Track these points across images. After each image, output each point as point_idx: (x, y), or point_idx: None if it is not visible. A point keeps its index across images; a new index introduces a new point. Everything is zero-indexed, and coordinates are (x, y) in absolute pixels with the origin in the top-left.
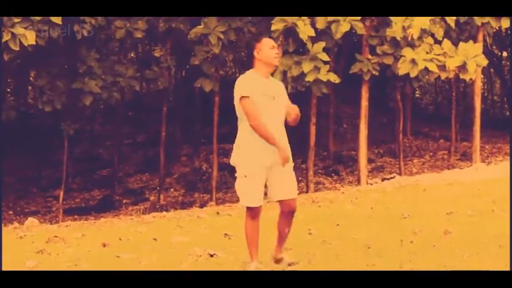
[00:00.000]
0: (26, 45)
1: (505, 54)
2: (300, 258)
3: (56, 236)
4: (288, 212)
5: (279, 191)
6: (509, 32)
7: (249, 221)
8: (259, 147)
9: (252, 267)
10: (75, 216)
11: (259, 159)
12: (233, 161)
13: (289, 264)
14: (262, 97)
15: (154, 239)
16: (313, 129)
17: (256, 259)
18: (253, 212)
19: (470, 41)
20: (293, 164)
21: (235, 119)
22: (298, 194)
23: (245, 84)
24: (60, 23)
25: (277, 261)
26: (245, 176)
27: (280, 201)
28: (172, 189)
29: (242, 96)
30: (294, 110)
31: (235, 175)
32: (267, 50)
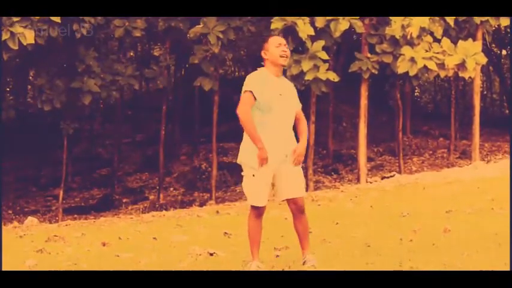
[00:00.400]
0: (25, 44)
1: (504, 52)
2: (299, 257)
3: (55, 235)
4: (296, 211)
5: (286, 189)
6: (508, 30)
7: (253, 219)
8: (266, 146)
9: (253, 266)
10: (75, 216)
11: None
12: (240, 159)
13: (304, 263)
14: (270, 93)
15: (154, 238)
16: (312, 127)
17: (257, 258)
18: (258, 211)
19: (470, 39)
20: (302, 164)
21: (235, 118)
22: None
23: (252, 80)
24: (59, 21)
25: (304, 263)
26: (253, 176)
27: (287, 201)
28: (171, 188)
29: (245, 90)
30: (299, 151)
31: (242, 174)
32: (273, 49)
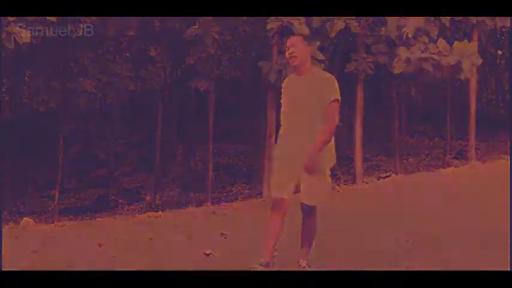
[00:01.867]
0: (21, 43)
1: (500, 52)
2: (295, 258)
3: (51, 237)
4: (303, 214)
5: (301, 191)
6: (503, 30)
7: (270, 211)
8: (285, 144)
9: (252, 264)
10: (71, 216)
11: (280, 151)
12: None
13: (299, 264)
14: (284, 92)
15: (150, 238)
16: None
17: (264, 257)
18: (272, 202)
19: (465, 40)
20: (324, 171)
21: (231, 118)
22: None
23: None
24: (55, 21)
25: (298, 264)
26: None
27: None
28: (167, 189)
29: None
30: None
31: None
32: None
